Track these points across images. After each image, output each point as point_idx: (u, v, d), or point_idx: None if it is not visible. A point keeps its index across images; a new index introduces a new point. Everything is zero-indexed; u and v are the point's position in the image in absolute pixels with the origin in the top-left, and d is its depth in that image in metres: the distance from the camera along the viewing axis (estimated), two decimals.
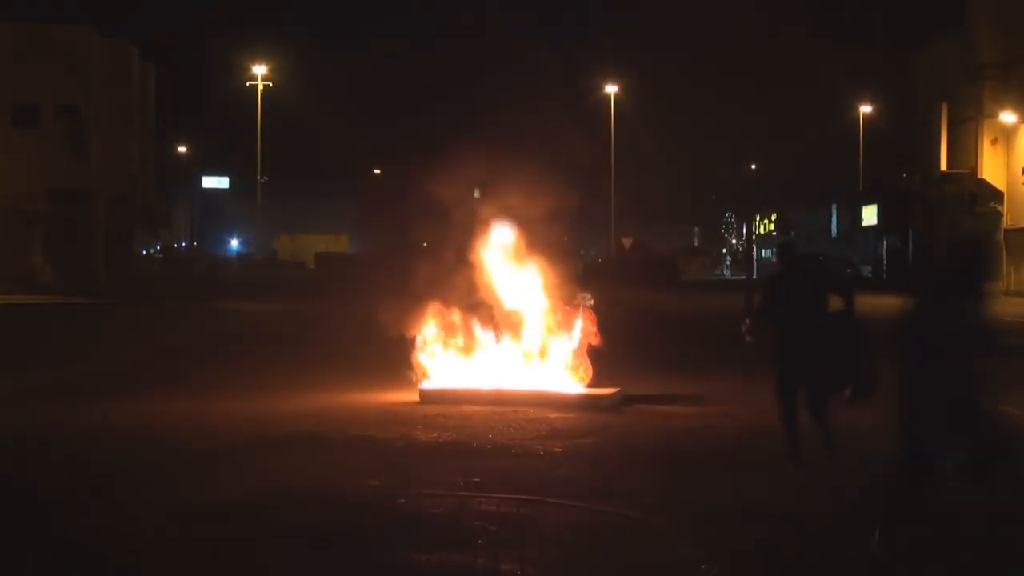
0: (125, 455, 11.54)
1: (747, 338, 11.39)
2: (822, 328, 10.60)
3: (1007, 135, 49.87)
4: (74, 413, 14.30)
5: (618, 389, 15.07)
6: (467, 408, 14.25)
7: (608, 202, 77.69)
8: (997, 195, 50.24)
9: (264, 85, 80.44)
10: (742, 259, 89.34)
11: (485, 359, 15.71)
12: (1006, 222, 49.87)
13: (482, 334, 15.82)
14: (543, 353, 15.56)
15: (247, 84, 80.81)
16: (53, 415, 14.16)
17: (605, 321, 15.74)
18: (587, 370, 15.24)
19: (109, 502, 9.50)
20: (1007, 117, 49.19)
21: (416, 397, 15.06)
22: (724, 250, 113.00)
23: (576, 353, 15.35)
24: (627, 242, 74.70)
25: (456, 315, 15.77)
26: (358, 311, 22.27)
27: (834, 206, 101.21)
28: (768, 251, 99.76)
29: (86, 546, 8.23)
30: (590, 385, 15.15)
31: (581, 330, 15.41)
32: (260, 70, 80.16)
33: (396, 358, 16.03)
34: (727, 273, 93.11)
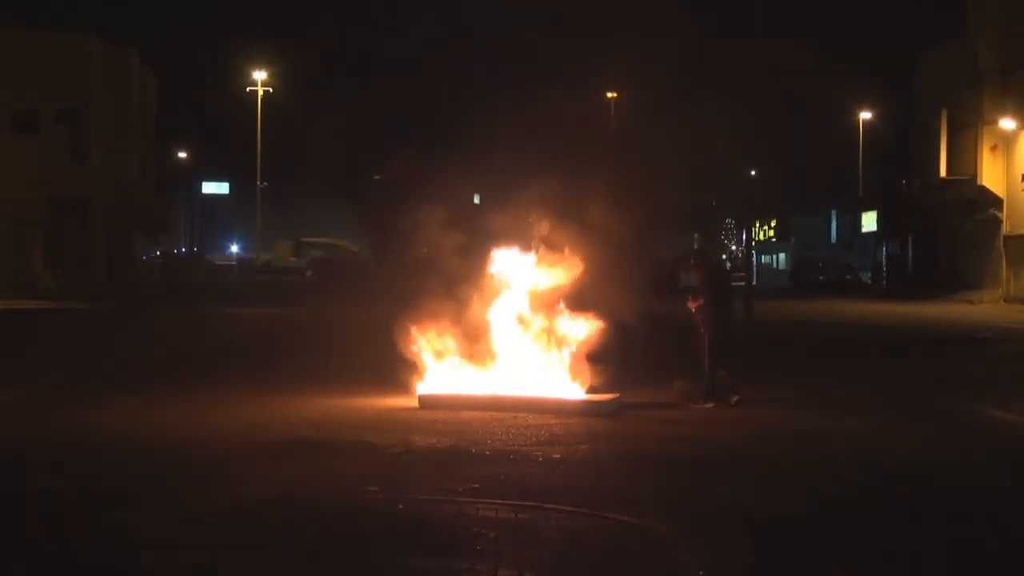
0: (123, 460, 11.53)
1: (692, 307, 15.59)
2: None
3: (1007, 142, 49.84)
4: (73, 418, 14.30)
5: (616, 395, 15.07)
6: (466, 414, 14.26)
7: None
8: (997, 202, 50.21)
9: (264, 91, 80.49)
10: (741, 265, 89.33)
11: (484, 364, 15.69)
12: (1006, 229, 49.82)
13: (483, 340, 15.80)
14: (543, 359, 15.53)
15: (247, 90, 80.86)
16: (53, 420, 14.16)
17: (604, 327, 15.72)
18: (586, 376, 15.22)
19: (107, 507, 9.48)
20: (1007, 124, 49.16)
21: (415, 402, 15.05)
22: (724, 256, 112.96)
23: (576, 359, 15.33)
24: None
25: (456, 321, 15.76)
26: (357, 316, 22.28)
27: (834, 212, 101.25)
28: (768, 257, 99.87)
29: (84, 551, 8.23)
30: (589, 391, 15.13)
31: (581, 336, 15.41)
32: (260, 75, 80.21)
33: (395, 363, 16.02)
34: None
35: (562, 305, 15.69)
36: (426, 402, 14.99)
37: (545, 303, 15.80)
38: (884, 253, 68.48)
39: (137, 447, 12.30)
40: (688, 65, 16.52)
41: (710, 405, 15.12)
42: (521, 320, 15.72)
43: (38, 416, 14.57)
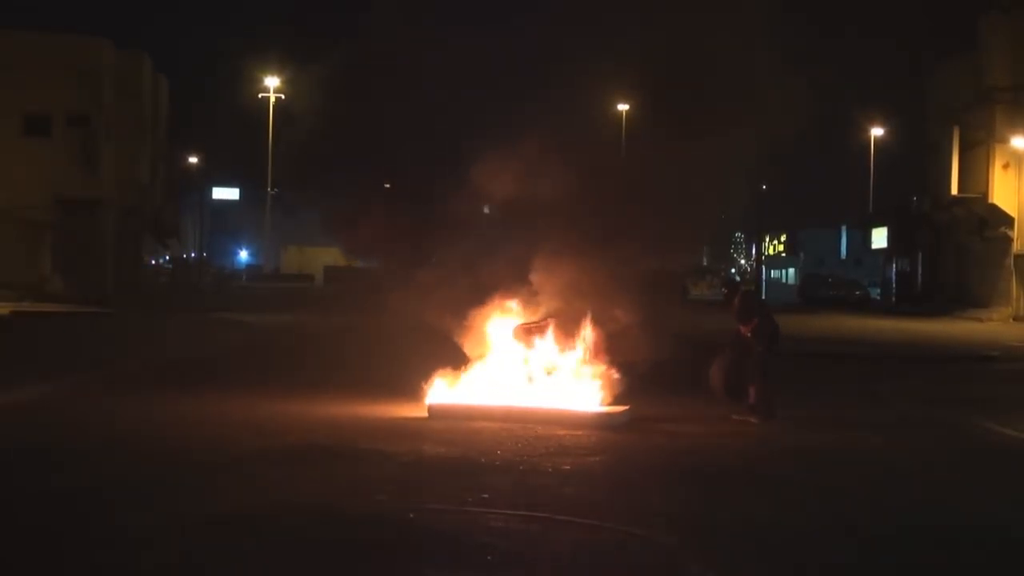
0: (130, 464, 11.55)
1: (745, 332, 15.38)
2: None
3: (1018, 160, 49.80)
4: (81, 420, 14.33)
5: (627, 407, 15.04)
6: (475, 424, 14.24)
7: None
8: (1007, 220, 50.15)
9: (276, 97, 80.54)
10: (751, 279, 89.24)
11: (494, 375, 15.68)
12: (1016, 247, 49.77)
13: (493, 350, 15.81)
14: (552, 370, 15.52)
15: (259, 96, 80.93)
16: (55, 423, 14.19)
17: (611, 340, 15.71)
18: (597, 388, 15.18)
19: (113, 511, 9.50)
20: (1018, 142, 49.15)
21: (424, 412, 15.03)
22: (733, 270, 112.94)
23: (587, 370, 15.32)
24: None
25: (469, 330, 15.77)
26: (366, 325, 22.28)
27: (843, 228, 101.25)
28: (777, 272, 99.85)
29: (89, 556, 8.23)
30: (600, 403, 15.08)
31: (592, 348, 15.40)
32: (272, 82, 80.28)
33: (404, 372, 16.04)
34: None
35: (569, 317, 15.68)
36: (435, 412, 14.97)
37: (554, 314, 15.79)
38: (893, 270, 68.43)
39: (141, 450, 12.32)
40: (701, 78, 16.46)
41: (755, 420, 15.05)
42: (531, 330, 15.72)
43: (38, 419, 14.61)
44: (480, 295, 15.87)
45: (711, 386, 15.56)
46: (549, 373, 15.51)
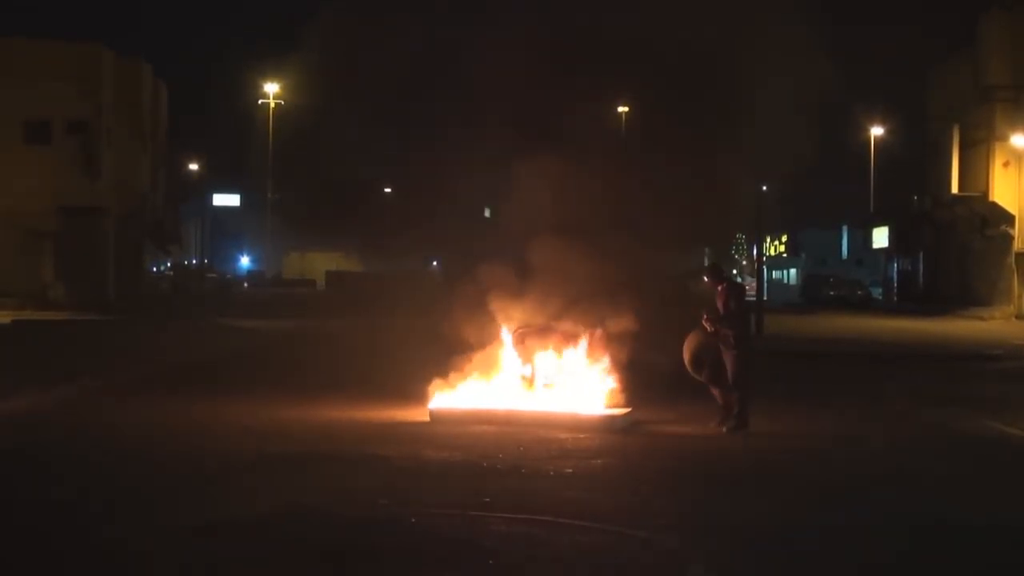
0: (133, 470, 11.53)
1: (708, 327, 14.43)
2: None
3: (1018, 158, 49.80)
4: (77, 428, 14.32)
5: (629, 410, 15.01)
6: (477, 428, 14.22)
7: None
8: (1008, 218, 50.15)
9: (276, 103, 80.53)
10: (752, 279, 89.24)
11: (495, 379, 15.66)
12: (1017, 245, 49.76)
13: (494, 355, 15.78)
14: (554, 374, 15.49)
15: (259, 102, 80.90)
16: (57, 430, 14.18)
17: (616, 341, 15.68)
18: (598, 391, 15.15)
19: (114, 518, 9.48)
20: (1018, 140, 49.15)
21: (426, 416, 15.01)
22: (734, 270, 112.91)
23: (588, 374, 15.30)
24: None
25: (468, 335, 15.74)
26: (367, 329, 22.26)
27: (844, 227, 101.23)
28: (778, 272, 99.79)
29: (89, 563, 8.20)
30: (602, 406, 15.05)
31: (592, 351, 15.38)
32: (272, 88, 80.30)
33: (406, 376, 16.02)
34: None
35: (571, 320, 15.66)
36: (437, 416, 14.95)
37: (555, 318, 15.77)
38: (895, 269, 68.42)
39: (144, 457, 12.30)
40: (697, 80, 16.47)
41: (724, 429, 14.51)
42: (532, 334, 15.69)
43: (37, 427, 14.59)
44: (481, 298, 15.85)
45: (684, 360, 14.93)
46: (551, 377, 15.50)
